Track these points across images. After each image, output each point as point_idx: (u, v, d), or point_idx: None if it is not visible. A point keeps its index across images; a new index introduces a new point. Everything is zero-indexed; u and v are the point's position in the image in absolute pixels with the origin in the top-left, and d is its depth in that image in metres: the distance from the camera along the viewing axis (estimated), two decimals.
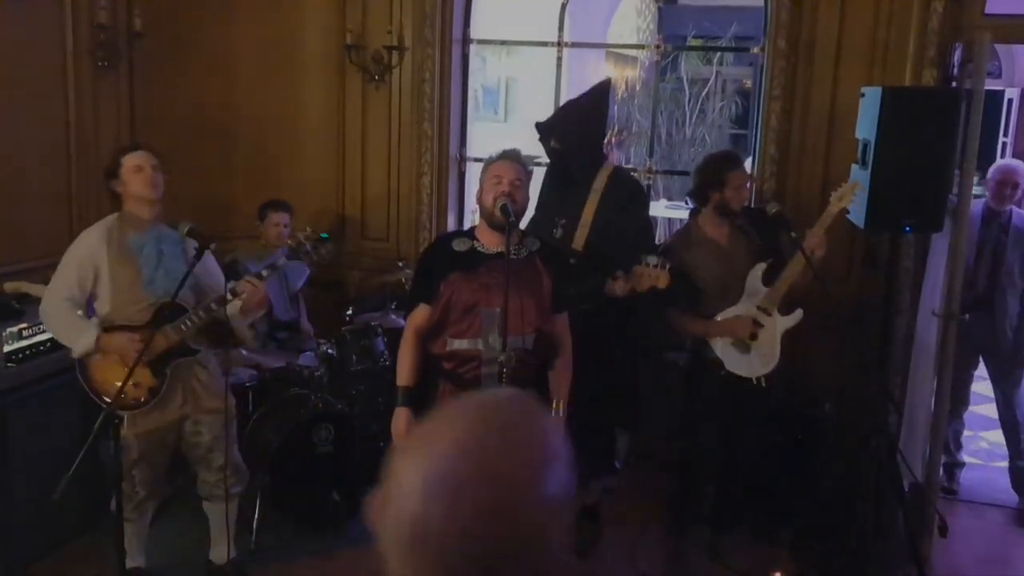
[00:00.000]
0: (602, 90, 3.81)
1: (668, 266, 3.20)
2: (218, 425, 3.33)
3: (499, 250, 2.96)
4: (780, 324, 3.55)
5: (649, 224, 4.05)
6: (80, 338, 3.10)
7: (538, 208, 3.75)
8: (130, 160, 3.20)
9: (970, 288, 4.29)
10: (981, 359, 4.63)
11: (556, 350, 3.13)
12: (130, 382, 3.04)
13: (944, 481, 4.49)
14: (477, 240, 3.04)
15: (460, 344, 2.97)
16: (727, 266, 3.59)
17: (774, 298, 3.53)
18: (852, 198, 3.46)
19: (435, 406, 3.01)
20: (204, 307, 3.20)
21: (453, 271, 2.97)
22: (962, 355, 4.26)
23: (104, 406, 3.11)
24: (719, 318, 3.59)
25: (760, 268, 3.57)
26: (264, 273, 3.26)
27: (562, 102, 4.89)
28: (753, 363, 3.57)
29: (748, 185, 3.61)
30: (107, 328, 3.12)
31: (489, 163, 3.06)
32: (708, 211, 3.65)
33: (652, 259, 3.25)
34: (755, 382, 3.58)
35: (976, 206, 4.41)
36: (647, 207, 4.00)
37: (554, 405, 2.96)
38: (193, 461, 3.44)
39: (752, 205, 4.56)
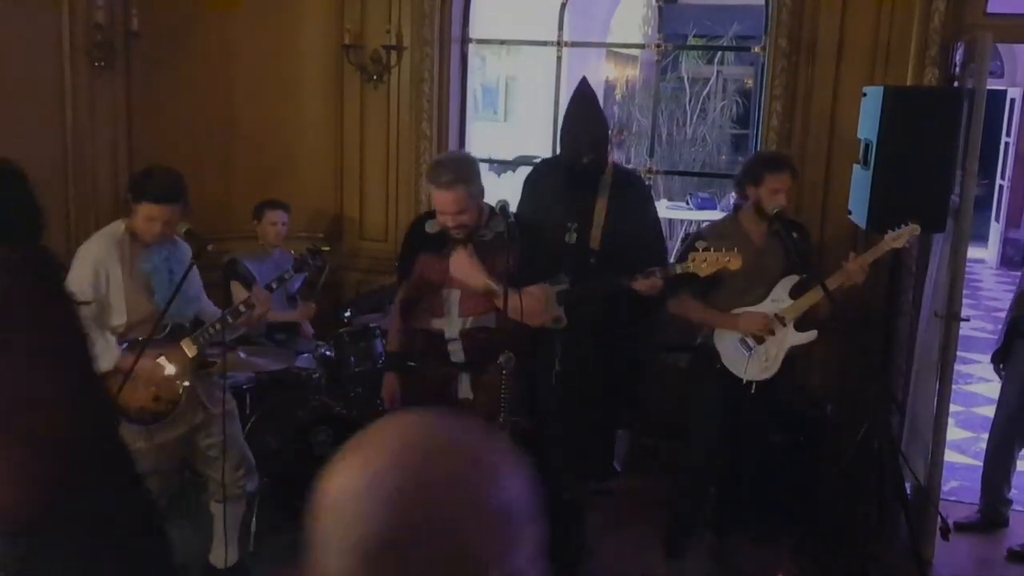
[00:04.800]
0: (587, 90, 3.82)
1: (736, 248, 3.29)
2: (228, 422, 3.36)
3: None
4: (791, 338, 3.53)
5: (657, 218, 4.08)
6: (100, 361, 3.06)
7: (539, 209, 3.75)
8: (145, 210, 3.08)
9: None
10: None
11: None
12: (151, 397, 3.14)
13: (976, 517, 4.29)
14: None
15: (429, 322, 3.11)
16: (754, 266, 3.54)
17: (795, 312, 3.51)
18: (907, 243, 3.43)
19: (421, 373, 3.13)
20: (221, 320, 3.24)
21: (423, 252, 3.12)
22: None
23: (132, 423, 3.12)
24: (736, 312, 3.56)
25: (792, 279, 3.54)
26: (273, 286, 3.37)
27: (562, 102, 4.91)
28: (751, 366, 3.54)
29: (788, 191, 3.53)
30: (130, 345, 3.06)
31: (428, 181, 3.02)
32: (749, 207, 3.62)
33: (701, 243, 3.31)
34: (744, 383, 3.55)
35: None
36: (653, 202, 4.04)
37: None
38: (206, 465, 3.42)
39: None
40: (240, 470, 3.44)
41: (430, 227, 3.11)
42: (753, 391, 3.55)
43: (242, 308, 3.25)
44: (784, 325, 3.51)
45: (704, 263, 3.26)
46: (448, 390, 3.13)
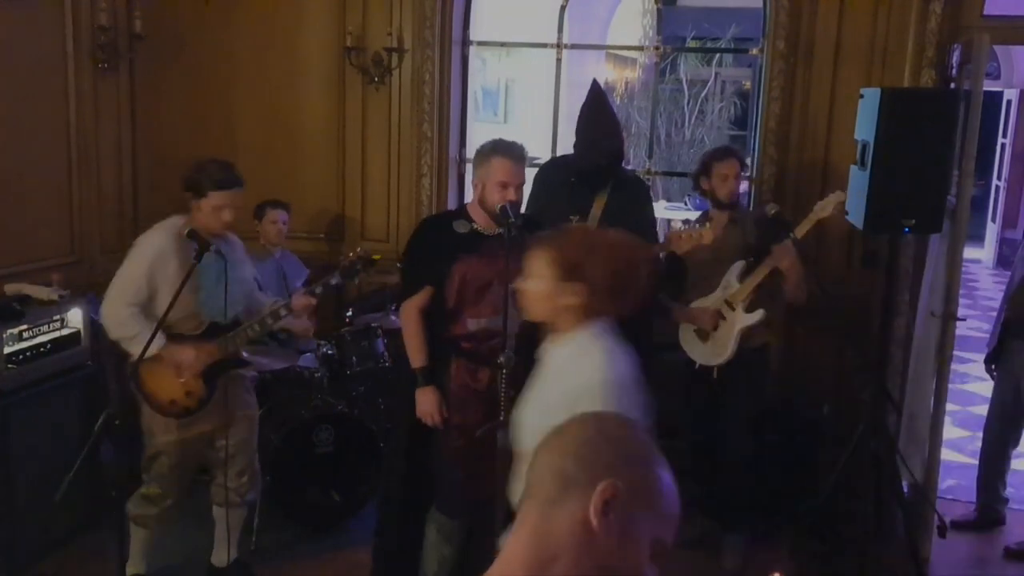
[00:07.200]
0: (599, 93, 3.85)
1: (708, 224, 3.39)
2: (245, 428, 3.37)
3: (499, 231, 2.98)
4: (740, 320, 3.60)
5: (653, 218, 4.13)
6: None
7: (545, 207, 3.81)
8: (217, 198, 3.08)
9: None
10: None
11: None
12: (183, 392, 3.15)
13: (973, 515, 4.32)
14: (474, 221, 3.06)
15: (479, 323, 3.04)
16: (711, 256, 3.63)
17: (740, 295, 3.60)
18: (831, 211, 3.51)
19: (449, 383, 3.08)
20: (259, 321, 3.25)
21: (461, 253, 3.02)
22: None
23: (162, 415, 3.16)
24: (692, 306, 3.69)
25: (740, 265, 3.64)
26: (318, 291, 3.29)
27: (562, 104, 4.97)
28: (707, 352, 3.66)
29: (736, 178, 3.73)
30: (170, 336, 3.07)
31: (491, 156, 2.98)
32: (710, 202, 3.81)
33: (677, 224, 3.41)
34: (696, 367, 3.68)
35: None
36: (651, 202, 4.11)
37: None
38: (214, 465, 3.43)
39: (751, 206, 4.59)
40: (244, 477, 3.43)
41: (460, 227, 3.06)
42: (715, 376, 3.66)
43: (282, 312, 3.26)
44: (733, 309, 3.58)
45: (680, 240, 3.38)
46: (491, 390, 3.07)
